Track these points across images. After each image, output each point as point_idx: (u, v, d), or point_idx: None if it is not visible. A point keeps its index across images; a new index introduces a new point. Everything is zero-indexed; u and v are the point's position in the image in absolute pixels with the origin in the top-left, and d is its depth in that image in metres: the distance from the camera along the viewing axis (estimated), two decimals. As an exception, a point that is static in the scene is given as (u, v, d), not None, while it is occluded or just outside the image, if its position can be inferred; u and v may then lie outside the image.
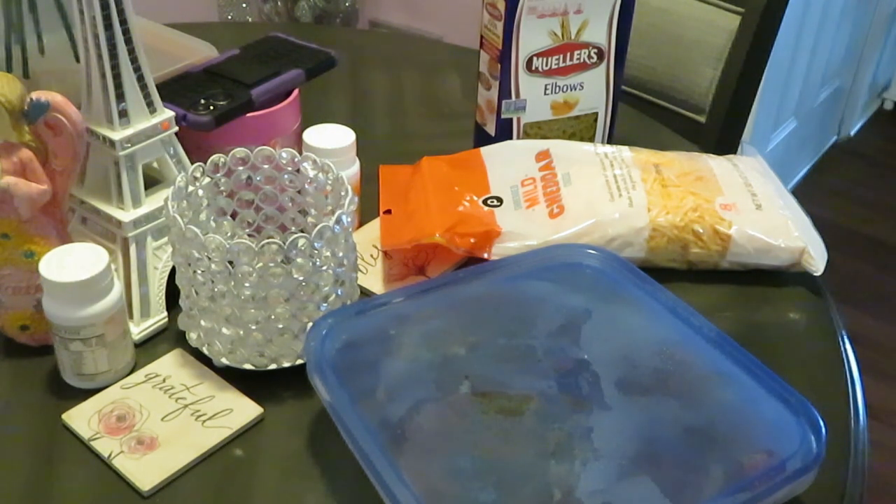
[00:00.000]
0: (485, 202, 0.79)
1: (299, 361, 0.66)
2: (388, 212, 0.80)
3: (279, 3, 2.03)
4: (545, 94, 0.88)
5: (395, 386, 0.61)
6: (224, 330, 0.65)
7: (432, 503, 0.52)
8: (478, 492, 0.54)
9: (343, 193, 0.66)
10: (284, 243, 0.61)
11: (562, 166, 0.81)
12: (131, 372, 0.68)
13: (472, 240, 0.75)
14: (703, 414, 0.60)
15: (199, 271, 0.63)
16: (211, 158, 0.69)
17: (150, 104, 0.69)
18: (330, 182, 0.69)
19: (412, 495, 0.52)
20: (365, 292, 0.75)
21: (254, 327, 0.64)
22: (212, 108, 0.76)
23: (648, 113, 1.10)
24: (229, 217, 0.72)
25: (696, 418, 0.60)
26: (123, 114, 0.68)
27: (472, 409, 0.59)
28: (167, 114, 0.71)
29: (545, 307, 0.69)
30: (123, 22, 0.66)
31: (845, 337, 0.75)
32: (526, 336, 0.65)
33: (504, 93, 0.87)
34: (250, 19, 2.07)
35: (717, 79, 1.17)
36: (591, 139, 0.92)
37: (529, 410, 0.59)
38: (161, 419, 0.64)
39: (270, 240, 0.61)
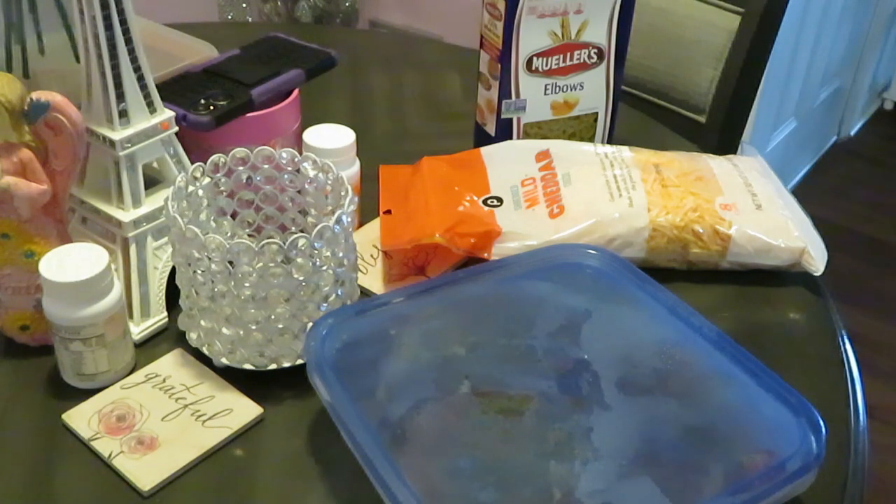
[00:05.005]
0: (485, 202, 0.79)
1: (299, 361, 0.66)
2: (388, 212, 0.80)
3: (279, 3, 2.03)
4: (545, 94, 0.88)
5: (395, 386, 0.61)
6: (224, 330, 0.65)
7: (432, 503, 0.52)
8: (478, 492, 0.54)
9: (343, 193, 0.66)
10: (284, 243, 0.61)
11: (562, 166, 0.81)
12: (131, 372, 0.68)
13: (472, 240, 0.75)
14: (703, 414, 0.60)
15: (199, 271, 0.63)
16: (211, 158, 0.69)
17: (150, 104, 0.69)
18: (330, 182, 0.69)
19: (412, 495, 0.52)
20: (365, 292, 0.75)
21: (254, 327, 0.64)
22: (212, 108, 0.76)
23: (648, 113, 1.10)
24: (229, 217, 0.72)
25: (696, 418, 0.60)
26: (123, 114, 0.68)
27: (473, 409, 0.59)
28: (167, 114, 0.71)
29: (545, 307, 0.69)
30: (123, 22, 0.66)
31: (845, 337, 0.75)
32: (526, 336, 0.65)
33: (504, 93, 0.87)
34: (250, 19, 2.07)
35: (717, 79, 1.17)
36: (591, 139, 0.92)
37: (529, 410, 0.59)
38: (161, 419, 0.64)
39: (270, 240, 0.61)
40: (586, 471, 0.56)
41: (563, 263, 0.71)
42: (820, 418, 0.57)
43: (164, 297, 0.72)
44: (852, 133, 2.54)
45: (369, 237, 0.80)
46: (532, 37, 0.85)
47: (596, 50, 0.88)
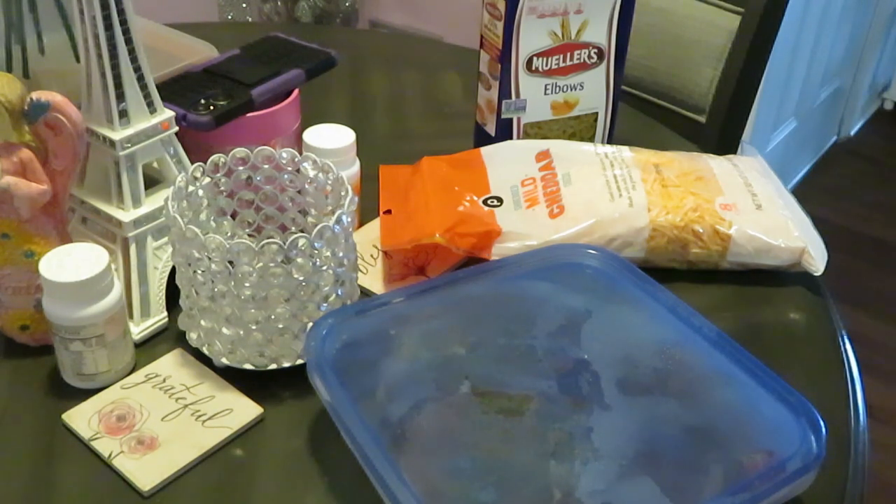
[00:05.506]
0: (485, 202, 0.79)
1: (299, 361, 0.66)
2: (388, 212, 0.80)
3: (279, 3, 2.03)
4: (545, 94, 0.88)
5: (396, 386, 0.61)
6: (224, 330, 0.65)
7: (432, 503, 0.52)
8: (478, 492, 0.54)
9: (343, 193, 0.66)
10: (284, 243, 0.61)
11: (562, 166, 0.81)
12: (131, 372, 0.68)
13: (472, 240, 0.75)
14: (703, 414, 0.60)
15: (200, 271, 0.63)
16: (211, 158, 0.69)
17: (150, 104, 0.69)
18: (330, 182, 0.69)
19: (412, 495, 0.52)
20: (365, 292, 0.75)
21: (254, 327, 0.64)
22: (212, 108, 0.76)
23: (648, 113, 1.10)
24: (229, 217, 0.72)
25: (696, 418, 0.60)
26: (123, 114, 0.68)
27: (473, 409, 0.59)
28: (167, 114, 0.71)
29: (545, 307, 0.69)
30: (123, 22, 0.66)
31: (845, 337, 0.75)
32: (526, 336, 0.65)
33: (504, 93, 0.87)
34: (250, 19, 2.07)
35: (717, 79, 1.17)
36: (591, 139, 0.92)
37: (529, 410, 0.59)
38: (161, 419, 0.64)
39: (270, 240, 0.61)
40: (586, 471, 0.56)
41: (563, 263, 0.71)
42: (820, 418, 0.57)
43: (164, 297, 0.72)
44: (852, 133, 2.54)
45: (369, 237, 0.80)
46: (532, 37, 0.85)
47: (596, 50, 0.88)
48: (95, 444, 0.62)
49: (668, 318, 0.66)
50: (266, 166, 0.70)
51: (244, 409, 0.65)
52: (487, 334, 0.65)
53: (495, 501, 0.54)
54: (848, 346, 0.74)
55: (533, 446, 0.57)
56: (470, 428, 0.58)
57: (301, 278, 0.63)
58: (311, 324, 0.63)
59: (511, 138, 0.89)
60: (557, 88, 0.88)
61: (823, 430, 0.57)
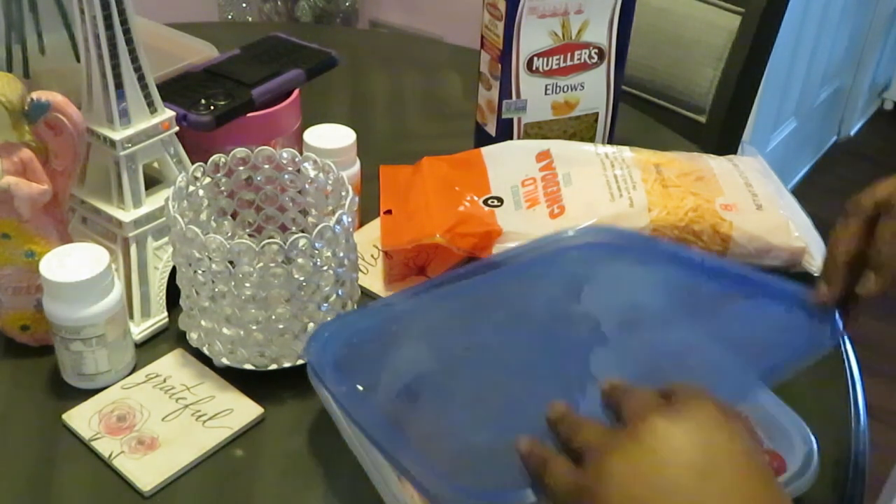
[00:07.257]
0: (485, 202, 0.79)
1: (300, 362, 0.66)
2: (389, 212, 0.80)
3: (279, 3, 2.03)
4: (546, 94, 0.88)
5: (396, 385, 0.61)
6: (224, 330, 0.65)
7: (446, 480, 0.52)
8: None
9: (344, 193, 0.66)
10: (285, 243, 0.61)
11: (562, 166, 0.81)
12: (132, 372, 0.68)
13: (472, 240, 0.75)
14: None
15: (200, 271, 0.63)
16: (211, 158, 0.69)
17: (150, 104, 0.69)
18: (330, 182, 0.69)
19: (424, 466, 0.51)
20: (365, 292, 0.75)
21: (254, 327, 0.64)
22: (212, 108, 0.76)
23: (648, 113, 1.10)
24: (230, 217, 0.72)
25: None
26: (124, 114, 0.68)
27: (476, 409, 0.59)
28: (168, 114, 0.71)
29: (546, 301, 0.68)
30: (124, 22, 0.66)
31: (845, 337, 0.75)
32: (527, 334, 0.65)
33: (504, 93, 0.87)
34: (250, 19, 2.07)
35: (717, 79, 1.17)
36: (592, 139, 0.92)
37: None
38: (161, 419, 0.64)
39: (271, 240, 0.61)
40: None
41: (554, 251, 0.70)
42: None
43: (164, 297, 0.71)
44: (852, 133, 2.54)
45: (370, 237, 0.80)
46: (533, 37, 0.85)
47: (596, 50, 0.88)
48: (96, 445, 0.62)
49: (669, 271, 0.65)
50: (266, 166, 0.70)
51: (244, 410, 0.65)
52: (488, 333, 0.65)
53: (493, 440, 0.53)
54: (848, 347, 0.74)
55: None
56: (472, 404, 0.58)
57: (301, 278, 0.63)
58: (311, 324, 0.63)
59: (511, 138, 0.89)
60: (558, 88, 0.88)
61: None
